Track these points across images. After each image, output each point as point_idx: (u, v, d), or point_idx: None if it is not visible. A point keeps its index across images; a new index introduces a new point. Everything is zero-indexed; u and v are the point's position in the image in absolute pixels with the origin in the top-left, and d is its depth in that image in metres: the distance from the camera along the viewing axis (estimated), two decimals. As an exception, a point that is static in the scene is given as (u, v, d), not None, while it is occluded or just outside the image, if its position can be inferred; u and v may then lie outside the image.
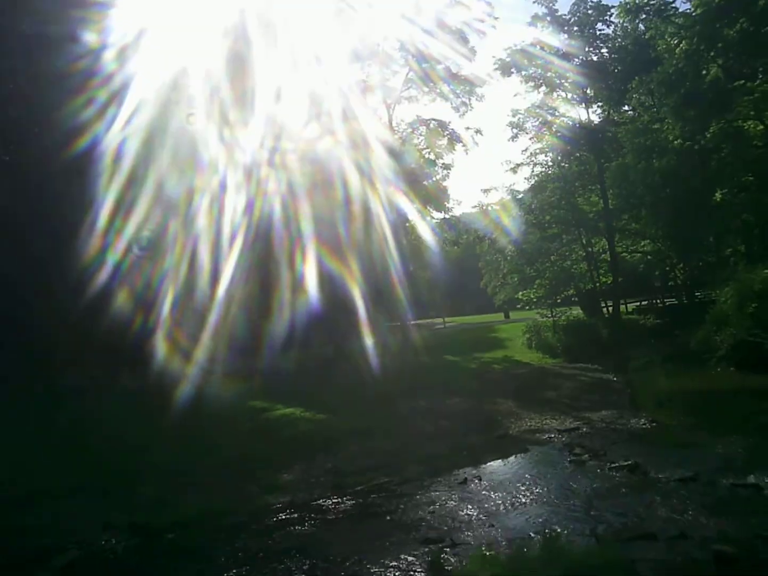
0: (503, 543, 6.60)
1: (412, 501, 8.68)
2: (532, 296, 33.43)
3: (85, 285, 25.62)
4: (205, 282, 31.07)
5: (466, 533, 7.15)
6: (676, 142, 23.48)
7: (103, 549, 7.62)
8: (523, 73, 32.60)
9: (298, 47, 29.15)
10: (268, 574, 6.60)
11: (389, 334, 36.56)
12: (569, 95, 32.13)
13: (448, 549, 6.63)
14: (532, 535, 6.75)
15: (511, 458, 10.66)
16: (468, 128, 33.24)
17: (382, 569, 6.34)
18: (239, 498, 9.42)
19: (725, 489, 7.93)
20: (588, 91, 31.10)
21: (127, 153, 28.24)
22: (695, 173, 22.80)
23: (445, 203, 34.79)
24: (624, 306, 36.76)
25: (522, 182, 36.47)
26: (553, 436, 12.11)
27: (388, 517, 8.04)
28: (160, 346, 25.85)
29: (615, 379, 19.19)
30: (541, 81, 32.52)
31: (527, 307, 34.77)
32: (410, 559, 6.46)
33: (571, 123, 32.31)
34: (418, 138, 33.51)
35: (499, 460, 10.65)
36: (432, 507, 8.28)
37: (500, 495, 8.53)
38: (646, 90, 29.97)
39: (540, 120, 33.09)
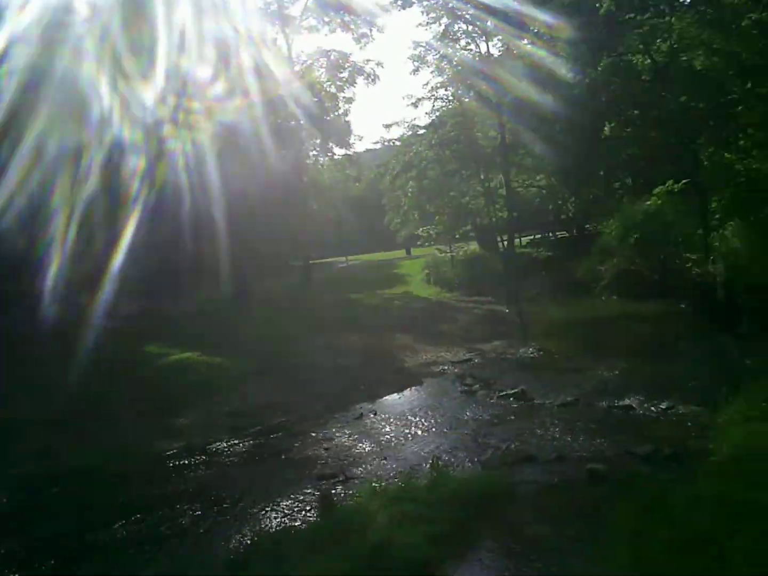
0: (393, 474, 6.81)
1: (308, 439, 8.77)
2: (432, 232, 33.86)
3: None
4: (100, 242, 29.36)
5: (359, 467, 7.33)
6: (568, 75, 23.86)
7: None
8: (424, 3, 32.04)
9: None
10: (158, 522, 6.50)
11: (291, 274, 36.28)
12: (469, 27, 31.96)
13: (340, 484, 6.77)
14: (422, 465, 7.02)
15: (406, 392, 10.96)
16: (369, 60, 32.48)
17: (275, 507, 6.42)
18: (133, 445, 9.18)
19: (602, 411, 8.52)
20: (488, 24, 31.00)
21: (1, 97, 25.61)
22: (585, 108, 23.36)
23: (348, 139, 34.19)
24: (518, 240, 38.07)
25: (424, 117, 36.02)
26: (446, 368, 12.54)
27: (284, 456, 8.10)
28: (49, 294, 24.41)
29: (507, 310, 20.01)
30: (442, 12, 32.09)
31: (427, 244, 35.33)
32: (303, 496, 6.57)
33: (470, 56, 32.23)
34: (319, 70, 32.42)
35: (395, 394, 10.93)
36: (328, 444, 8.41)
37: (394, 428, 8.78)
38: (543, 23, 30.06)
39: (440, 53, 32.80)
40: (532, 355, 12.92)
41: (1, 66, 25.18)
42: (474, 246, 34.94)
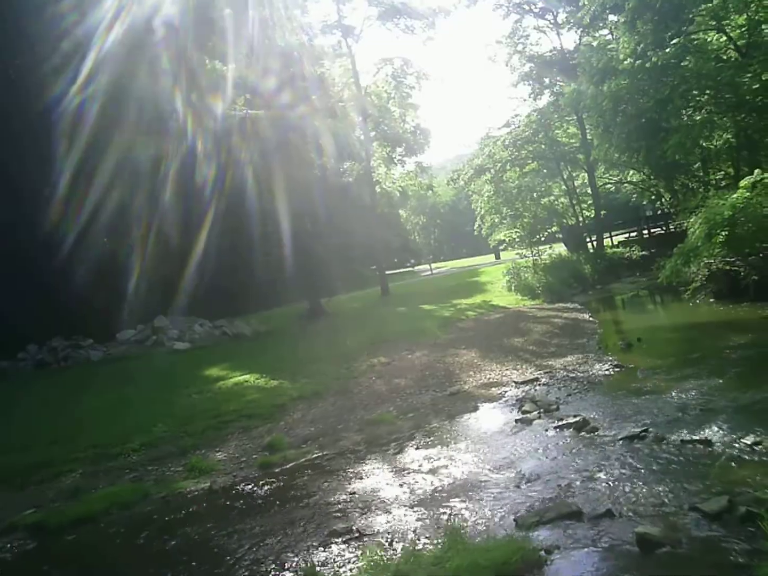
0: (408, 534, 5.79)
1: (336, 479, 7.88)
2: (514, 236, 32.36)
3: (52, 252, 24.82)
4: (175, 248, 30.14)
5: (378, 519, 6.36)
6: (627, 61, 21.76)
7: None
8: (492, 0, 30.80)
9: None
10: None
11: (368, 285, 35.82)
12: (540, 22, 30.45)
13: (350, 543, 5.84)
14: (444, 521, 5.95)
15: (456, 419, 9.84)
16: (433, 63, 31.72)
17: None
18: (157, 483, 8.67)
19: (673, 447, 7.08)
20: (558, 16, 29.39)
21: (88, 114, 26.87)
22: (649, 94, 21.19)
23: (417, 146, 33.36)
24: (609, 239, 35.77)
25: (500, 118, 34.82)
26: (508, 390, 11.29)
27: (303, 503, 7.24)
28: (126, 315, 25.09)
29: (590, 318, 18.35)
30: (510, 8, 30.77)
31: (509, 248, 33.85)
32: (303, 561, 5.66)
33: (542, 51, 30.67)
34: (384, 77, 31.84)
35: (446, 421, 9.85)
36: (354, 486, 7.50)
37: (429, 468, 7.74)
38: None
39: (512, 49, 31.41)
40: (606, 373, 11.41)
41: (89, 87, 26.50)
42: (560, 248, 33.12)
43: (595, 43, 26.04)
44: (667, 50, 19.88)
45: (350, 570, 5.22)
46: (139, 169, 28.31)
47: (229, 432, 10.82)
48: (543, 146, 32.74)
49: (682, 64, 20.32)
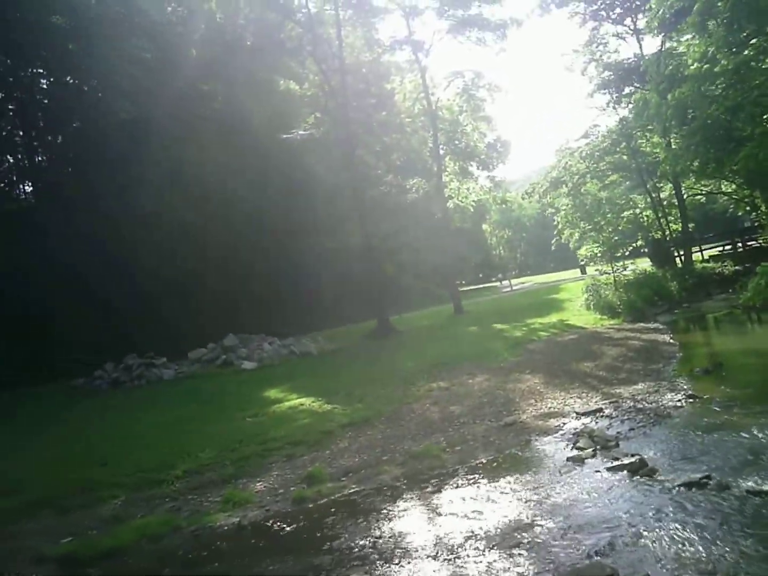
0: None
1: (366, 520, 7.42)
2: (595, 251, 30.85)
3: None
4: (246, 267, 30.91)
5: (390, 572, 5.88)
6: (694, 66, 20.05)
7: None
8: (568, 8, 29.76)
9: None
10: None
11: (439, 304, 35.22)
12: (618, 28, 29.07)
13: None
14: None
15: (505, 454, 9.17)
16: (504, 75, 31.06)
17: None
18: (191, 515, 8.49)
19: (735, 498, 6.18)
20: (638, 22, 27.94)
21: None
22: (718, 101, 19.40)
23: (492, 158, 32.60)
24: (700, 253, 33.56)
25: (578, 128, 33.69)
26: (566, 422, 10.47)
27: (327, 546, 6.81)
28: (197, 334, 25.69)
29: (671, 340, 17.02)
30: (587, 16, 29.60)
31: (590, 264, 32.39)
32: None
33: (621, 59, 29.25)
34: (455, 90, 31.31)
35: (493, 457, 9.20)
36: (382, 530, 7.00)
37: (466, 511, 7.15)
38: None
39: (588, 57, 30.18)
40: (677, 405, 10.38)
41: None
42: (644, 264, 31.36)
43: (668, 51, 24.45)
44: (745, 52, 18.28)
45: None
46: (213, 188, 29.30)
47: (273, 460, 10.58)
48: (624, 157, 31.20)
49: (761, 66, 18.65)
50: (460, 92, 30.55)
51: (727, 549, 5.17)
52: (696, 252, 33.10)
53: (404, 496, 8.14)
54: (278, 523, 7.81)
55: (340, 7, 26.21)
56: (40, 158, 36.57)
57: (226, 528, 7.90)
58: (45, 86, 33.11)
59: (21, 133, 34.53)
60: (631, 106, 29.63)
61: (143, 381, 21.05)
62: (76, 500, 9.43)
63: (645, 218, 32.27)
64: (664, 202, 32.52)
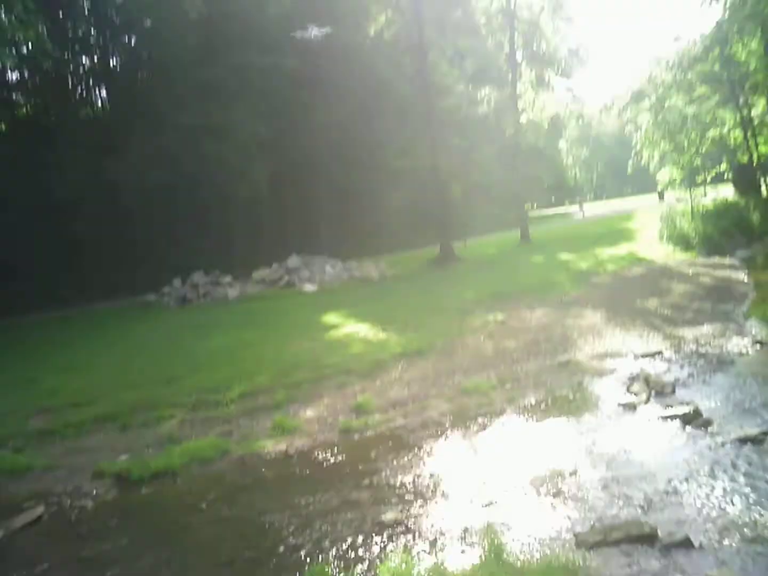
0: (453, 538, 5.32)
1: (408, 456, 7.52)
2: (675, 175, 28.95)
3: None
4: (313, 187, 30.78)
5: (430, 516, 5.93)
6: None
7: (72, 506, 7.33)
8: None
9: None
10: (190, 551, 5.94)
11: (507, 229, 34.26)
12: None
13: (388, 540, 5.50)
14: (492, 526, 5.40)
15: (554, 396, 9.01)
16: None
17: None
18: (241, 440, 8.85)
19: (795, 459, 5.91)
20: None
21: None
22: None
23: (572, 66, 30.20)
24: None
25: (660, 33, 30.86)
26: (624, 362, 10.17)
27: (366, 481, 6.95)
28: (263, 253, 26.11)
29: (745, 278, 16.11)
30: None
31: (668, 189, 30.53)
32: (334, 552, 5.43)
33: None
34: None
35: (543, 397, 9.07)
36: (422, 469, 7.08)
37: (507, 454, 7.14)
38: None
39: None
40: (742, 351, 9.88)
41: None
42: (726, 191, 29.40)
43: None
44: None
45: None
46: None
47: (324, 388, 10.76)
48: (716, 67, 28.33)
49: None
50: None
51: (755, 520, 4.95)
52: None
53: (448, 433, 8.19)
54: (323, 454, 8.02)
55: None
56: (114, 61, 36.66)
57: (272, 455, 8.18)
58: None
59: (94, 32, 34.29)
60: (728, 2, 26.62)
61: (209, 299, 21.75)
62: (138, 417, 9.98)
63: (732, 139, 29.86)
64: (755, 121, 29.83)
